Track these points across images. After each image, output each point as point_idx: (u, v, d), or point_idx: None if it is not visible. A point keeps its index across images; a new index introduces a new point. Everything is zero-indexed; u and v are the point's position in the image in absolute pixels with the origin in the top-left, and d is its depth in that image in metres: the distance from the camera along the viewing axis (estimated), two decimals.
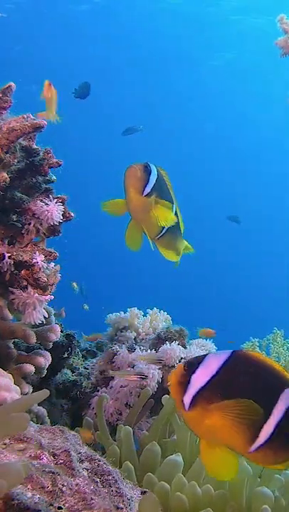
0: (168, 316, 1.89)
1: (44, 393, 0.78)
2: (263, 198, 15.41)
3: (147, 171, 1.54)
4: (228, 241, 15.51)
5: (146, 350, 1.66)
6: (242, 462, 1.12)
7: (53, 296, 1.29)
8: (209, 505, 1.04)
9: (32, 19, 10.92)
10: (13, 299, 1.27)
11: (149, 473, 1.13)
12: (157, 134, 13.35)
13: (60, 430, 0.93)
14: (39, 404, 1.45)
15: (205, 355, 0.92)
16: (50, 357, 1.41)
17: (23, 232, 1.28)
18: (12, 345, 1.37)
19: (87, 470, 0.87)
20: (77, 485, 0.79)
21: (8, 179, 1.19)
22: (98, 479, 0.85)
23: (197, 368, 0.90)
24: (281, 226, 14.16)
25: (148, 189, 1.50)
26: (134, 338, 1.80)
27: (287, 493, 1.16)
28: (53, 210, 1.27)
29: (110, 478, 0.87)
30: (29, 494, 0.73)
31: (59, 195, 1.32)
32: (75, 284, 3.35)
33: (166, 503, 1.03)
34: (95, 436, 1.37)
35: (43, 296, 1.27)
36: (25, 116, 1.21)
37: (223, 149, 15.18)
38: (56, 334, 1.43)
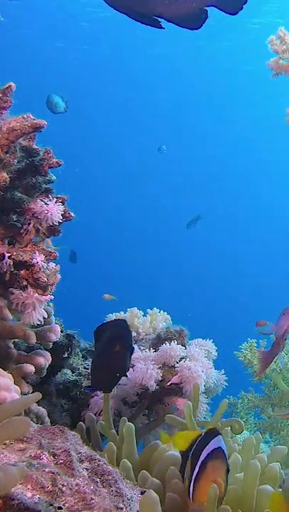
0: (168, 316, 1.89)
1: (36, 396, 0.79)
2: (264, 197, 15.41)
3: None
4: (229, 241, 15.51)
5: (146, 350, 1.66)
6: (254, 462, 1.12)
7: (52, 296, 1.30)
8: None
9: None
10: (12, 299, 1.27)
11: (144, 471, 1.13)
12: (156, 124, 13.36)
13: (60, 430, 0.93)
14: (39, 405, 1.45)
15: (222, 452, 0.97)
16: (50, 357, 1.41)
17: (22, 232, 1.28)
18: (12, 345, 1.37)
19: (87, 470, 0.87)
20: (77, 485, 0.79)
21: (8, 179, 1.20)
22: (98, 479, 0.85)
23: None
24: (283, 227, 14.16)
25: None
26: (134, 338, 1.80)
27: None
28: (53, 210, 1.27)
29: (110, 478, 0.87)
30: (29, 494, 0.73)
31: (59, 195, 1.32)
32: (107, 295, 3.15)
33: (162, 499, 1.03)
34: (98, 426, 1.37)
35: (43, 297, 1.27)
36: (25, 116, 1.21)
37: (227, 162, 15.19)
38: (56, 334, 1.43)
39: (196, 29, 1.41)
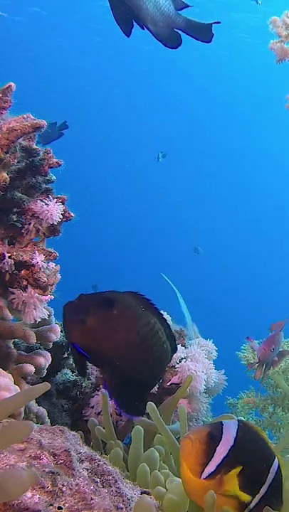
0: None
1: (44, 386, 0.75)
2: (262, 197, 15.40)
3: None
4: (229, 241, 15.51)
5: None
6: None
7: (52, 296, 1.29)
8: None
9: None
10: (13, 299, 1.27)
11: (156, 472, 1.12)
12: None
13: (60, 430, 0.93)
14: (39, 405, 1.45)
15: (220, 426, 0.97)
16: (50, 357, 1.41)
17: (22, 232, 1.28)
18: (12, 345, 1.37)
19: (87, 470, 0.87)
20: (77, 485, 0.79)
21: (8, 179, 1.20)
22: (98, 479, 0.86)
23: (220, 439, 0.95)
24: (285, 226, 14.14)
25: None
26: None
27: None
28: (53, 210, 1.27)
29: (110, 478, 0.87)
30: (29, 494, 0.73)
31: (59, 195, 1.32)
32: None
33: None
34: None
35: (43, 296, 1.27)
36: (25, 116, 1.21)
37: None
38: (56, 334, 1.43)
39: (173, 48, 1.56)
